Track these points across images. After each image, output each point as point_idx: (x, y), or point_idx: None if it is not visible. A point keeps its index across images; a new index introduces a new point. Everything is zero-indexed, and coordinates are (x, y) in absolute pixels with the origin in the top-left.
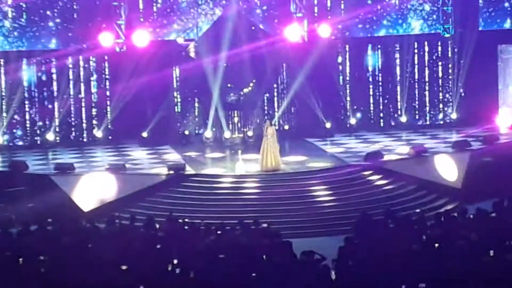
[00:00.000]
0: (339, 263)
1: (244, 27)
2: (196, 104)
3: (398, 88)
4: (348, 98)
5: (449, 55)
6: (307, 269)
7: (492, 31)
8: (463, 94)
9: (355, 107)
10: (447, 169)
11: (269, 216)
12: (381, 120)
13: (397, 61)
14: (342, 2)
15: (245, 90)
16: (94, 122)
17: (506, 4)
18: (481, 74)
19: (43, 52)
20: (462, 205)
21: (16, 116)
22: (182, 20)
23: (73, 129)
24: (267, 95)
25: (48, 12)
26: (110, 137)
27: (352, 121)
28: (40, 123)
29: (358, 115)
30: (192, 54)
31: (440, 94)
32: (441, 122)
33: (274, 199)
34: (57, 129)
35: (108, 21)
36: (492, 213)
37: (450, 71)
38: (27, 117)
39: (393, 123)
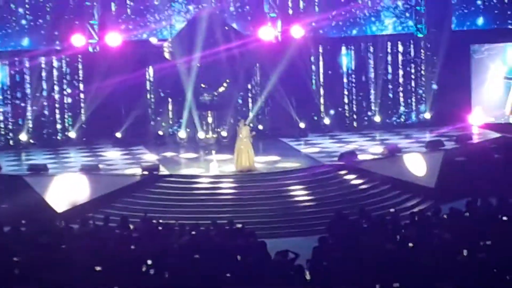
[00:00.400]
0: (313, 263)
1: (217, 27)
2: (170, 105)
3: (372, 88)
4: (322, 98)
5: (422, 54)
6: (281, 269)
7: (465, 31)
8: (435, 88)
9: (328, 106)
10: (421, 168)
11: (243, 216)
12: (355, 120)
13: (371, 61)
14: (316, 2)
15: (219, 90)
16: (68, 122)
17: (479, 2)
18: (454, 74)
19: (15, 51)
20: (435, 204)
21: None
22: (155, 20)
23: (46, 129)
24: (241, 95)
25: (20, 10)
26: (83, 138)
27: (326, 121)
28: (13, 124)
29: (332, 111)
30: (166, 55)
31: (413, 93)
32: (415, 122)
33: (248, 199)
34: (30, 130)
35: (81, 21)
36: (466, 212)
37: (423, 70)
38: (0, 117)
39: (366, 123)
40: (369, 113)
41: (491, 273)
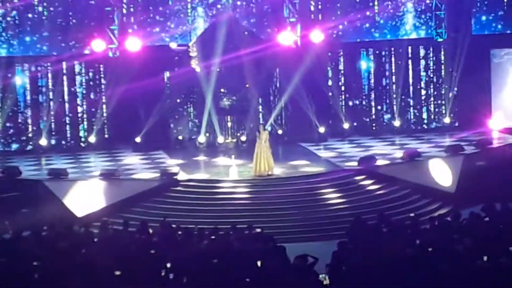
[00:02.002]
0: (333, 268)
1: (237, 32)
2: (190, 109)
3: (391, 93)
4: (341, 103)
5: (442, 59)
6: (300, 274)
7: (485, 36)
8: (454, 94)
9: (348, 111)
10: (441, 173)
11: (262, 220)
12: (375, 125)
13: (390, 65)
14: (335, 7)
15: (239, 95)
16: (87, 127)
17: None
18: (474, 78)
19: (36, 57)
20: (455, 209)
21: (9, 122)
22: (175, 25)
23: (66, 134)
24: (261, 100)
25: (42, 17)
26: (103, 143)
27: (346, 125)
28: (34, 129)
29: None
30: (187, 60)
31: (433, 98)
32: (435, 126)
33: (267, 203)
34: (51, 135)
35: (101, 26)
36: (486, 217)
37: (443, 75)
38: (20, 122)
39: (386, 128)
40: (389, 118)
41: (510, 279)
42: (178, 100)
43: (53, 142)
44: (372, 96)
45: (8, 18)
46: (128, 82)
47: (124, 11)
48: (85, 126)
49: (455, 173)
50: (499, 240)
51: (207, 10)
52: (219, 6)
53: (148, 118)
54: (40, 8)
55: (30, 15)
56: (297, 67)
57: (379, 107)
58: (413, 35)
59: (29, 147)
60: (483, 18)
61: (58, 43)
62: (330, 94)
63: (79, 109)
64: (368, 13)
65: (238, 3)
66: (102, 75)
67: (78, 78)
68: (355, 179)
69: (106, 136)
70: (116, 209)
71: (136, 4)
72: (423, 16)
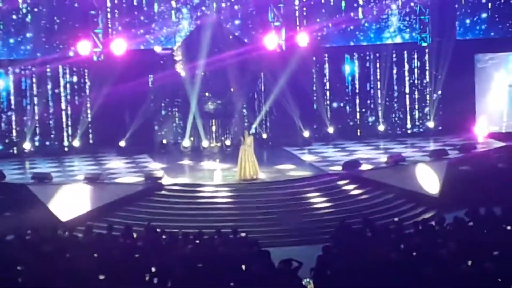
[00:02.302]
0: (317, 272)
1: (222, 35)
2: (174, 113)
3: (376, 97)
4: (326, 107)
5: (427, 64)
6: (284, 278)
7: (469, 40)
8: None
9: (332, 115)
10: (425, 177)
11: (247, 225)
12: (359, 129)
13: (375, 70)
14: (320, 11)
15: (223, 99)
16: (72, 131)
17: (483, 11)
18: (458, 83)
19: (21, 60)
20: (439, 213)
21: None
22: (159, 29)
23: (50, 138)
24: (245, 104)
25: (26, 20)
26: (87, 146)
27: (330, 129)
28: (17, 132)
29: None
30: (172, 64)
31: (418, 103)
32: (419, 131)
33: (252, 208)
34: (34, 138)
35: (85, 30)
36: (470, 221)
37: (427, 80)
38: (4, 125)
39: (370, 132)
40: (373, 122)
41: (495, 283)
42: (163, 104)
43: (37, 145)
44: (357, 100)
45: None
46: (112, 86)
47: (109, 14)
48: (69, 130)
49: (439, 178)
50: (483, 245)
51: (192, 13)
52: (203, 8)
53: (132, 122)
54: (24, 10)
55: (14, 17)
56: (281, 71)
57: (363, 111)
58: (398, 39)
59: (13, 151)
60: (467, 21)
61: (42, 45)
62: (315, 98)
63: (63, 112)
64: (352, 16)
65: (223, 5)
66: (86, 78)
67: (62, 81)
68: (340, 183)
69: (90, 140)
70: (100, 213)
71: (120, 8)
72: (407, 20)
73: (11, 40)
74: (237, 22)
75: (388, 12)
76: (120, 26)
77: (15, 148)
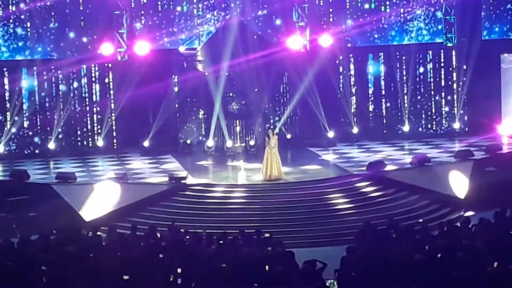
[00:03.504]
0: (341, 273)
1: (246, 36)
2: (199, 114)
3: (401, 97)
4: (352, 108)
5: (452, 64)
6: (308, 279)
7: (495, 40)
8: (465, 99)
9: (357, 116)
10: (450, 178)
11: (271, 225)
12: (384, 130)
13: (400, 70)
14: (345, 11)
15: (247, 99)
16: (96, 131)
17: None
18: (484, 84)
19: (45, 60)
20: (465, 215)
21: (17, 125)
22: (184, 29)
23: (74, 138)
24: (270, 104)
25: (50, 21)
26: (112, 146)
27: (355, 130)
28: (42, 132)
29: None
30: (199, 66)
31: (443, 103)
32: (444, 132)
33: (276, 208)
34: (59, 138)
35: (109, 30)
36: (495, 223)
37: (453, 80)
38: (28, 126)
39: (395, 132)
40: (398, 123)
41: None
42: (187, 104)
43: (61, 145)
44: (381, 100)
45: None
46: (136, 86)
47: (133, 15)
48: (94, 130)
49: (465, 179)
50: (509, 246)
51: (216, 14)
52: (228, 10)
53: (156, 122)
54: (49, 11)
55: (38, 17)
56: (306, 71)
57: (388, 112)
58: (423, 39)
59: (38, 151)
60: (493, 22)
61: (66, 45)
62: (339, 98)
63: (87, 112)
64: (377, 16)
65: (247, 6)
66: (110, 79)
67: (86, 81)
68: (364, 184)
69: (114, 140)
70: (124, 213)
71: (145, 8)
72: (433, 20)
73: (35, 41)
74: (261, 22)
75: (414, 12)
76: (144, 26)
77: (39, 148)
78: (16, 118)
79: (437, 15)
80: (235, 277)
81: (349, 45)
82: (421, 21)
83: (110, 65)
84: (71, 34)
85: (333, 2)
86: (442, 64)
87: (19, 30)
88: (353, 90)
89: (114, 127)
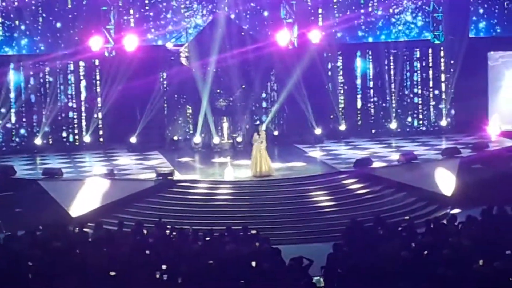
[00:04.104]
0: (328, 270)
1: (233, 32)
2: (185, 110)
3: (388, 95)
4: (339, 105)
5: (440, 62)
6: (295, 276)
7: (482, 38)
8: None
9: (344, 112)
10: (437, 176)
11: (258, 222)
12: (371, 127)
13: (388, 67)
14: (333, 8)
15: (235, 95)
16: (83, 127)
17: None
18: (471, 81)
19: (32, 55)
20: (451, 212)
21: (3, 120)
22: (171, 25)
23: (61, 133)
24: (257, 100)
25: (37, 16)
26: (98, 142)
27: (342, 127)
28: (28, 128)
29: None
30: (183, 60)
31: (430, 100)
32: (431, 129)
33: (263, 205)
34: (45, 134)
35: (97, 26)
36: (482, 220)
37: (440, 78)
38: (15, 121)
39: (382, 130)
40: (386, 120)
41: (507, 283)
42: (174, 100)
43: (48, 141)
44: (369, 97)
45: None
46: (123, 82)
47: (121, 10)
48: (80, 126)
49: (451, 176)
50: (495, 244)
51: (204, 9)
52: (215, 5)
53: (143, 118)
54: (36, 6)
55: (26, 13)
56: (293, 67)
57: (375, 109)
58: (411, 37)
59: (24, 146)
60: (480, 19)
61: (53, 41)
62: (327, 95)
63: (74, 108)
64: (365, 13)
65: (235, 2)
66: (97, 74)
67: (73, 76)
68: (351, 181)
69: (101, 136)
70: (111, 209)
71: (132, 4)
72: (420, 17)
73: (23, 36)
74: (249, 18)
75: (401, 10)
76: (132, 22)
77: (25, 144)
78: (2, 112)
79: (425, 12)
80: (221, 274)
81: (337, 41)
82: (409, 18)
83: (97, 61)
84: (59, 29)
85: None
86: (430, 62)
87: (6, 24)
88: (341, 87)
89: (101, 123)
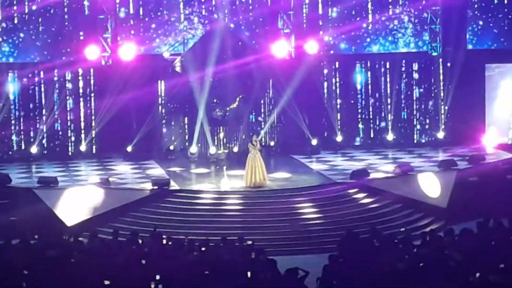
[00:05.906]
0: (324, 282)
1: (231, 42)
2: (182, 120)
3: (385, 106)
4: (336, 116)
5: (438, 73)
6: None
7: (480, 50)
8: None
9: (341, 124)
10: (433, 188)
11: (254, 233)
12: (368, 138)
13: (385, 78)
14: (330, 19)
15: (231, 106)
16: (79, 135)
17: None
18: (468, 93)
19: (28, 64)
20: (447, 224)
21: None
22: (168, 35)
23: (57, 142)
24: (253, 111)
25: (34, 25)
26: (94, 151)
27: (339, 138)
28: (24, 136)
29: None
30: (178, 69)
31: (427, 112)
32: (428, 141)
33: (259, 216)
34: (41, 143)
35: (94, 34)
36: (478, 233)
37: (437, 89)
38: (11, 130)
39: (379, 141)
40: (382, 131)
41: None
42: (170, 110)
43: (43, 150)
44: (366, 109)
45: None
46: (120, 91)
47: (118, 19)
48: (76, 135)
49: (448, 188)
50: (491, 257)
51: (201, 19)
52: (213, 15)
53: (139, 127)
54: (33, 14)
55: (23, 21)
56: (290, 78)
57: (372, 120)
58: (408, 48)
59: (20, 155)
60: (478, 31)
61: (50, 50)
62: (324, 106)
63: (70, 117)
64: (362, 24)
65: (233, 13)
66: (94, 83)
67: (70, 85)
68: (347, 192)
69: (97, 145)
70: (106, 218)
71: (129, 13)
72: (418, 29)
73: (20, 44)
74: (246, 29)
75: (399, 21)
76: (129, 31)
77: (21, 152)
78: None
79: (422, 24)
80: (217, 284)
81: (333, 52)
82: (406, 30)
83: (94, 70)
84: (56, 38)
85: (319, 9)
86: (427, 73)
87: (2, 34)
88: (338, 98)
89: (97, 132)
